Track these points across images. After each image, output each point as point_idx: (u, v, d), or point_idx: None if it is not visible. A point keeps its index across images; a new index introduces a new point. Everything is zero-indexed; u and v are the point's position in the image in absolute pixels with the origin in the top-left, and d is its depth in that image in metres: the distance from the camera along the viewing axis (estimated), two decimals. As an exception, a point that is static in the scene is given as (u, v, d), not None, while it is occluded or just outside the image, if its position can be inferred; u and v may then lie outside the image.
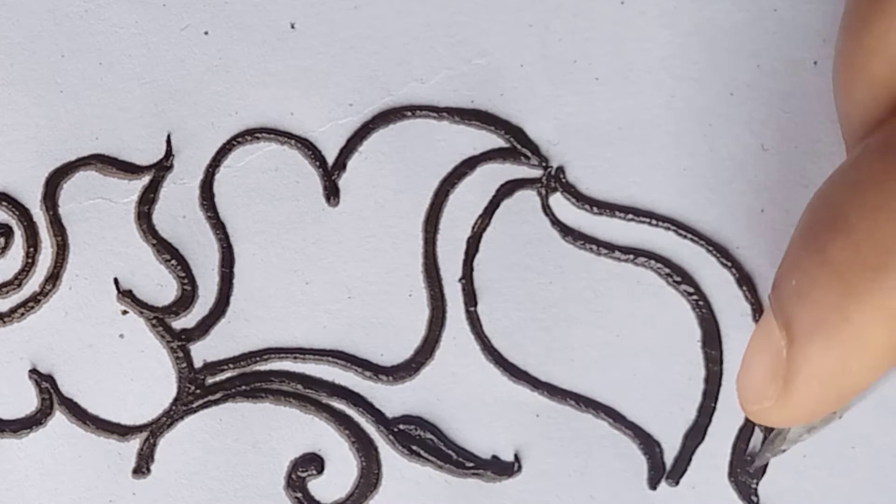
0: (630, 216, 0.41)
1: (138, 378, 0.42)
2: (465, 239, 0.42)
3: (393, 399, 0.42)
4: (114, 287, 0.42)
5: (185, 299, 0.42)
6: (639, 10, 0.41)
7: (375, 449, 0.41)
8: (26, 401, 0.42)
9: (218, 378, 0.42)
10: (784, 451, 0.40)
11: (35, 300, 0.42)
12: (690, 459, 0.41)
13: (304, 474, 0.41)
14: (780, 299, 0.34)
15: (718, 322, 0.41)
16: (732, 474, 0.41)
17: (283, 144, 0.42)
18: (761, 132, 0.41)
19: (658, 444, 0.41)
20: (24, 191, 0.42)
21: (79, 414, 0.41)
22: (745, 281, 0.41)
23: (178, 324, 0.42)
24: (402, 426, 0.41)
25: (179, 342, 0.42)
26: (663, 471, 0.41)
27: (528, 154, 0.42)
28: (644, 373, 0.41)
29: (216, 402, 0.41)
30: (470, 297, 0.42)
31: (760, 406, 0.35)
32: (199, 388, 0.42)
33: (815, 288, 0.33)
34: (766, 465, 0.40)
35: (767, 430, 0.40)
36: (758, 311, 0.41)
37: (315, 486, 0.41)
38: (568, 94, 0.42)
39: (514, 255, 0.42)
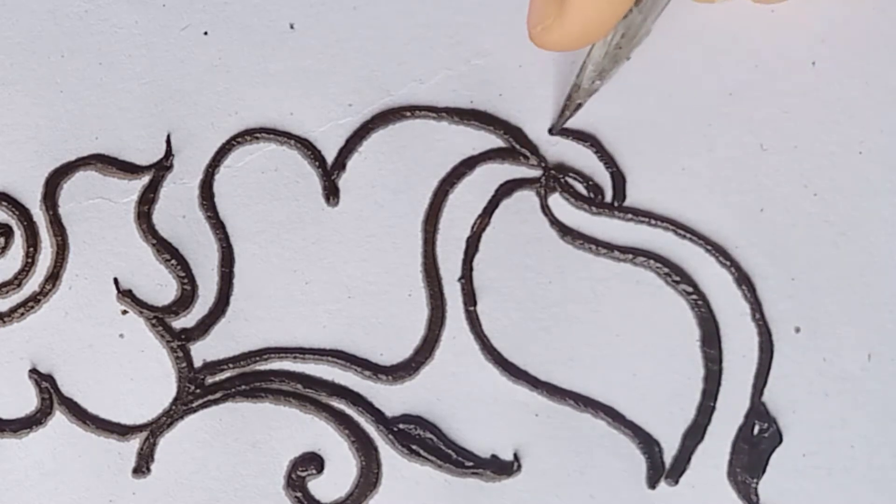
0: (629, 216, 0.42)
1: (138, 378, 0.42)
2: (464, 239, 0.42)
3: (393, 399, 0.42)
4: (114, 287, 0.42)
5: (185, 299, 0.42)
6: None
7: (375, 448, 0.41)
8: (26, 401, 0.42)
9: (218, 378, 0.42)
10: (581, 105, 0.40)
11: (35, 300, 0.42)
12: (690, 459, 0.41)
13: (303, 474, 0.41)
14: None
15: (717, 321, 0.41)
16: (731, 474, 0.41)
17: (283, 144, 0.42)
18: (761, 132, 0.42)
19: (657, 444, 0.41)
20: (24, 191, 0.42)
21: (79, 414, 0.42)
22: (743, 280, 0.41)
23: (178, 323, 0.42)
24: (401, 426, 0.41)
25: (179, 342, 0.42)
26: (662, 470, 0.41)
27: (527, 154, 0.42)
28: (643, 372, 0.41)
29: (216, 402, 0.41)
30: (469, 297, 0.42)
31: (543, 25, 0.37)
32: (198, 388, 0.42)
33: None
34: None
35: (566, 102, 0.41)
36: (757, 310, 0.41)
37: (315, 485, 0.41)
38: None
39: (514, 254, 0.42)
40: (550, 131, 0.41)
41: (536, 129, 0.42)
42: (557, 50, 0.39)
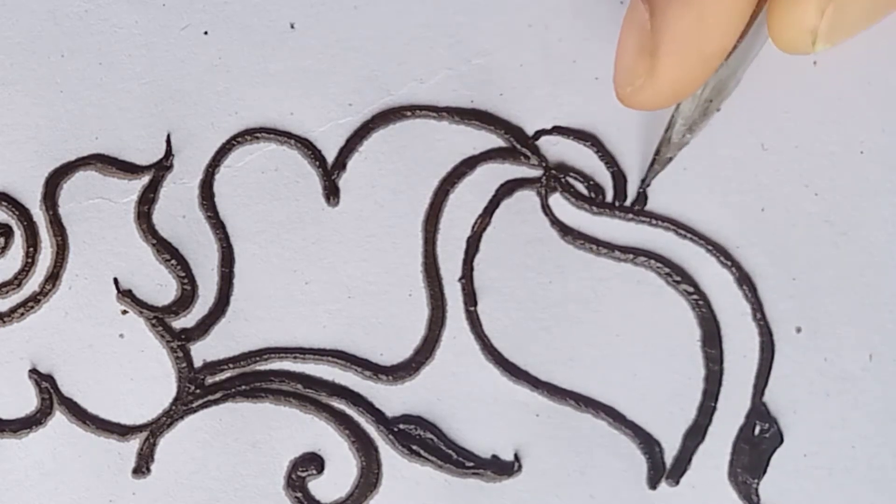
0: (630, 216, 0.41)
1: (138, 378, 0.42)
2: (464, 238, 0.42)
3: (393, 399, 0.41)
4: (114, 287, 0.42)
5: (185, 299, 0.42)
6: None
7: (375, 449, 0.41)
8: (26, 401, 0.42)
9: (218, 378, 0.42)
10: (671, 158, 0.40)
11: (35, 300, 0.42)
12: (690, 459, 0.41)
13: (304, 474, 0.41)
14: None
15: (718, 321, 0.41)
16: (732, 474, 0.41)
17: (283, 144, 0.42)
18: (761, 132, 0.42)
19: (658, 444, 0.41)
20: (24, 191, 0.42)
21: (79, 414, 0.41)
22: (744, 280, 0.41)
23: (178, 324, 0.42)
24: (402, 426, 0.41)
25: (179, 342, 0.42)
26: (663, 470, 0.41)
27: (528, 154, 0.42)
28: (644, 372, 0.41)
29: (216, 402, 0.41)
30: (470, 297, 0.42)
31: (633, 86, 0.36)
32: (198, 388, 0.42)
33: None
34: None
35: (655, 157, 0.41)
36: (758, 310, 0.41)
37: (315, 485, 0.41)
38: (568, 94, 0.42)
39: (514, 254, 0.42)
40: (640, 188, 0.41)
41: (537, 129, 0.42)
42: (648, 109, 0.38)
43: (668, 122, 0.40)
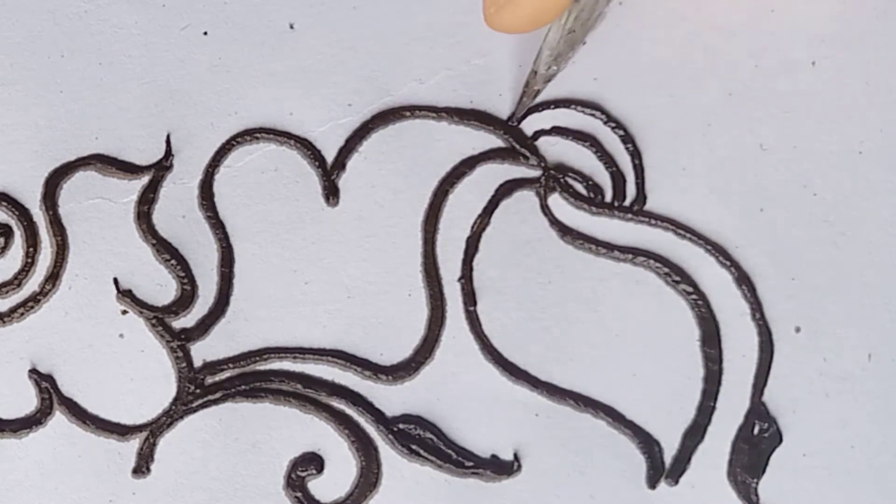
0: (629, 216, 0.42)
1: (138, 378, 0.42)
2: (464, 239, 0.42)
3: (393, 399, 0.42)
4: (114, 287, 0.42)
5: (185, 299, 0.42)
6: (638, 11, 0.41)
7: (375, 448, 0.41)
8: (26, 401, 0.42)
9: (218, 378, 0.42)
10: (539, 91, 0.40)
11: (35, 300, 0.42)
12: (690, 459, 0.41)
13: (303, 474, 0.41)
14: None
15: (717, 321, 0.41)
16: (732, 474, 0.41)
17: (283, 144, 0.42)
18: (760, 132, 0.42)
19: (657, 444, 0.41)
20: (24, 191, 0.42)
21: (79, 414, 0.41)
22: (743, 280, 0.41)
23: (178, 323, 0.42)
24: (401, 426, 0.41)
25: (179, 342, 0.42)
26: (662, 470, 0.41)
27: (527, 154, 0.42)
28: (643, 372, 0.41)
29: (216, 402, 0.41)
30: (469, 297, 0.42)
31: (496, 5, 0.37)
32: (198, 388, 0.42)
33: None
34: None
35: (524, 89, 0.41)
36: (757, 310, 0.41)
37: (315, 485, 0.41)
38: (568, 94, 0.42)
39: (514, 254, 0.42)
40: (510, 120, 0.41)
41: (536, 129, 0.42)
42: (511, 31, 0.39)
43: (537, 54, 0.40)
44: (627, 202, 0.42)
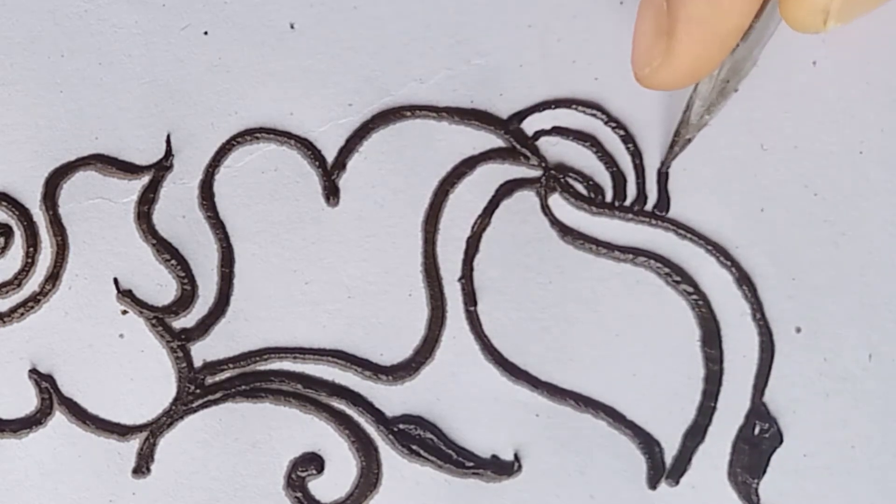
0: (629, 216, 0.42)
1: (138, 378, 0.42)
2: (464, 239, 0.42)
3: (393, 399, 0.42)
4: (114, 287, 0.42)
5: (185, 299, 0.42)
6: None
7: (375, 449, 0.41)
8: (26, 401, 0.42)
9: (218, 378, 0.42)
10: (690, 140, 0.40)
11: (35, 300, 0.42)
12: (690, 459, 0.41)
13: (303, 474, 0.41)
14: None
15: (718, 321, 0.41)
16: (732, 474, 0.41)
17: (283, 144, 0.42)
18: (761, 132, 0.42)
19: (658, 444, 0.41)
20: (24, 191, 0.42)
21: (79, 414, 0.41)
22: (744, 280, 0.41)
23: (178, 323, 0.42)
24: (401, 426, 0.41)
25: (179, 342, 0.42)
26: (663, 470, 0.41)
27: (528, 154, 0.42)
28: (643, 372, 0.41)
29: (216, 402, 0.41)
30: (469, 297, 0.42)
31: (650, 67, 0.37)
32: (198, 388, 0.42)
33: None
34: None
35: (674, 138, 0.41)
36: (758, 310, 0.41)
37: (315, 485, 0.41)
38: (568, 94, 0.42)
39: (514, 254, 0.42)
40: (660, 169, 0.41)
41: (537, 129, 0.42)
42: (666, 90, 0.38)
43: (686, 103, 0.40)
44: (628, 202, 0.42)
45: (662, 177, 0.41)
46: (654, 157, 0.42)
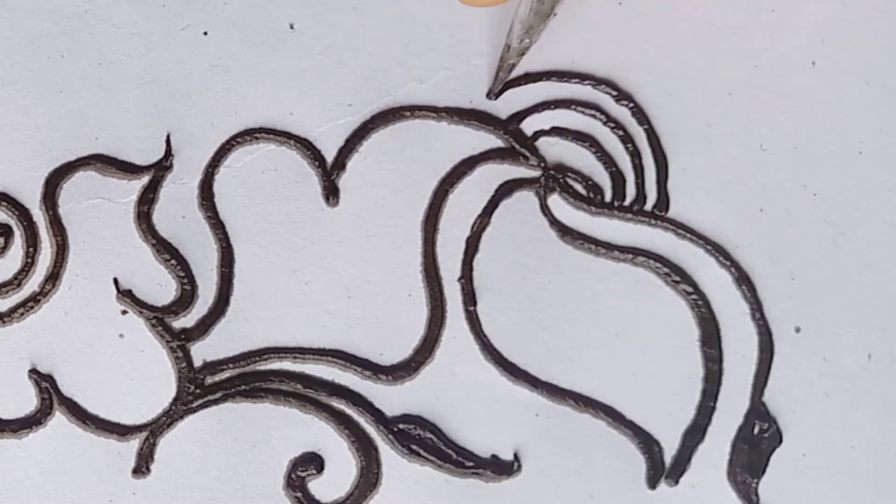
0: (629, 216, 0.42)
1: (138, 378, 0.42)
2: (464, 239, 0.42)
3: (392, 399, 0.42)
4: (114, 287, 0.42)
5: (185, 299, 0.42)
6: (638, 11, 0.41)
7: (375, 448, 0.41)
8: (26, 401, 0.42)
9: (218, 378, 0.42)
10: (514, 65, 0.41)
11: (35, 300, 0.42)
12: (690, 459, 0.41)
13: (303, 474, 0.41)
14: None
15: (717, 321, 0.41)
16: (732, 474, 0.41)
17: (283, 144, 0.42)
18: (761, 132, 0.42)
19: (657, 444, 0.41)
20: (24, 191, 0.42)
21: (79, 414, 0.42)
22: (743, 280, 0.41)
23: (178, 324, 0.42)
24: (401, 426, 0.41)
25: (179, 342, 0.42)
26: (662, 470, 0.41)
27: (527, 154, 0.42)
28: (643, 372, 0.41)
29: (216, 402, 0.42)
30: (469, 297, 0.42)
31: None
32: (198, 388, 0.42)
33: None
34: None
35: (499, 63, 0.41)
36: (757, 310, 0.41)
37: (315, 485, 0.41)
38: (567, 95, 0.42)
39: (513, 254, 0.42)
40: (487, 95, 0.41)
41: (536, 129, 0.42)
42: (482, 5, 0.39)
43: (509, 28, 0.40)
44: (627, 202, 0.42)
45: (662, 177, 0.41)
46: (648, 157, 0.42)
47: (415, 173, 0.42)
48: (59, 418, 0.42)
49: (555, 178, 0.42)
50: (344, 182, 0.42)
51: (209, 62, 0.42)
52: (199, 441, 0.41)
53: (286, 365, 0.42)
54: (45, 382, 0.42)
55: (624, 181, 0.42)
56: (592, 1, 0.42)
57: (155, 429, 0.41)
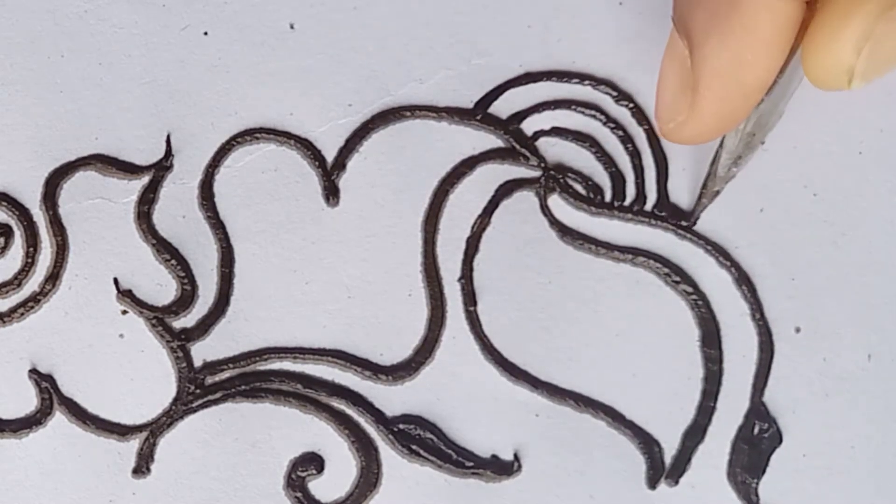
0: (629, 216, 0.42)
1: (138, 378, 0.42)
2: (464, 239, 0.42)
3: (393, 399, 0.42)
4: (114, 287, 0.42)
5: (185, 299, 0.42)
6: (638, 11, 0.41)
7: (375, 449, 0.41)
8: (26, 401, 0.42)
9: (218, 378, 0.42)
10: (719, 192, 0.40)
11: (35, 300, 0.42)
12: (690, 459, 0.41)
13: (303, 474, 0.41)
14: (678, 9, 0.36)
15: (717, 321, 0.41)
16: (732, 474, 0.41)
17: (283, 145, 0.42)
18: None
19: (657, 444, 0.41)
20: (24, 191, 0.42)
21: (79, 414, 0.42)
22: (743, 280, 0.41)
23: (178, 324, 0.42)
24: (401, 426, 0.41)
25: (179, 342, 0.42)
26: (662, 470, 0.41)
27: (527, 154, 0.42)
28: (643, 372, 0.41)
29: (216, 402, 0.42)
30: (469, 297, 0.42)
31: (675, 122, 0.36)
32: (198, 388, 0.42)
33: None
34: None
35: (702, 190, 0.41)
36: (757, 310, 0.41)
37: (315, 485, 0.41)
38: (567, 95, 0.42)
39: (514, 254, 0.42)
40: (689, 217, 0.41)
41: (536, 129, 0.42)
42: (691, 143, 0.38)
43: (714, 156, 0.40)
44: (627, 202, 0.42)
45: (662, 177, 0.41)
46: (648, 157, 0.42)
47: (415, 173, 0.42)
48: (59, 418, 0.42)
49: (555, 179, 0.42)
50: (344, 182, 0.42)
51: (209, 62, 0.42)
52: (199, 441, 0.41)
53: (286, 365, 0.42)
54: (45, 382, 0.42)
55: (624, 181, 0.42)
56: (592, 1, 0.42)
57: (155, 429, 0.41)
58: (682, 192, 0.42)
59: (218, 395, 0.41)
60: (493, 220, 0.42)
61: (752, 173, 0.41)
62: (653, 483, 0.41)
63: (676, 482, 0.41)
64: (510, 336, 0.41)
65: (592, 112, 0.42)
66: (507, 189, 0.42)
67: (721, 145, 0.40)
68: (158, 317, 0.42)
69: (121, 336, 0.42)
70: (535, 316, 0.41)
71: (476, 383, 0.41)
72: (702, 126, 0.36)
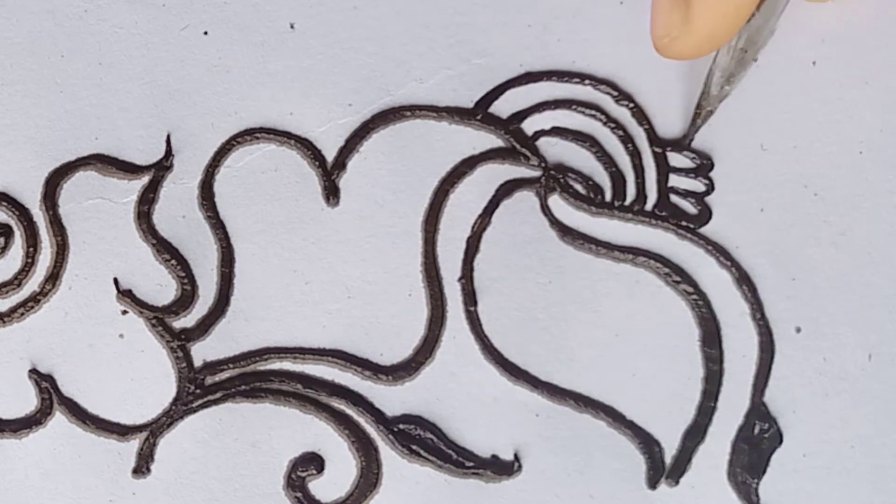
0: (629, 216, 0.42)
1: (138, 378, 0.42)
2: (464, 239, 0.42)
3: (393, 399, 0.42)
4: (114, 287, 0.42)
5: (185, 299, 0.42)
6: (638, 11, 0.41)
7: (375, 449, 0.41)
8: (26, 401, 0.42)
9: (218, 378, 0.42)
10: (712, 112, 0.41)
11: (35, 300, 0.42)
12: (690, 459, 0.41)
13: (303, 474, 0.41)
14: None
15: (718, 321, 0.41)
16: (732, 474, 0.41)
17: (283, 144, 0.42)
18: (760, 132, 0.42)
19: (657, 444, 0.41)
20: (24, 191, 0.42)
21: (79, 414, 0.42)
22: (743, 280, 0.41)
23: (178, 324, 0.42)
24: (401, 426, 0.41)
25: (179, 342, 0.42)
26: (663, 470, 0.41)
27: (527, 154, 0.42)
28: (643, 372, 0.41)
29: (216, 402, 0.42)
30: (469, 297, 0.42)
31: (669, 36, 0.37)
32: (198, 388, 0.42)
33: None
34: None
35: (696, 110, 0.41)
36: (757, 310, 0.41)
37: (315, 485, 0.41)
38: (567, 95, 0.42)
39: (514, 254, 0.42)
40: (683, 140, 0.41)
41: (537, 129, 0.42)
42: (684, 59, 0.39)
43: (707, 74, 0.40)
44: (627, 202, 0.42)
45: (662, 177, 0.41)
46: (648, 157, 0.42)
47: (415, 173, 0.42)
48: (59, 418, 0.42)
49: (555, 178, 0.42)
50: (344, 182, 0.42)
51: (209, 62, 0.42)
52: (199, 441, 0.41)
53: (286, 365, 0.42)
54: (45, 382, 0.42)
55: (624, 181, 0.42)
56: (592, 1, 0.42)
57: (155, 429, 0.41)
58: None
59: (218, 395, 0.41)
60: (493, 220, 0.42)
61: (752, 173, 0.41)
62: (653, 483, 0.41)
63: (677, 482, 0.41)
64: (510, 336, 0.41)
65: (592, 112, 0.42)
66: (507, 189, 0.42)
67: (714, 63, 0.40)
68: (158, 317, 0.42)
69: (121, 336, 0.42)
70: (535, 316, 0.41)
71: (476, 383, 0.41)
72: (694, 40, 0.37)
